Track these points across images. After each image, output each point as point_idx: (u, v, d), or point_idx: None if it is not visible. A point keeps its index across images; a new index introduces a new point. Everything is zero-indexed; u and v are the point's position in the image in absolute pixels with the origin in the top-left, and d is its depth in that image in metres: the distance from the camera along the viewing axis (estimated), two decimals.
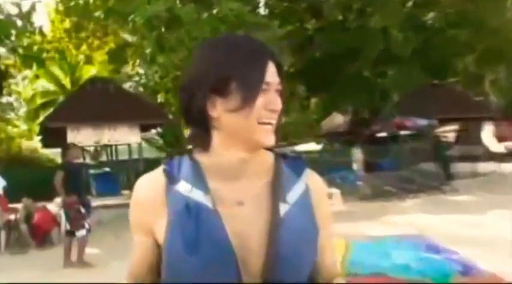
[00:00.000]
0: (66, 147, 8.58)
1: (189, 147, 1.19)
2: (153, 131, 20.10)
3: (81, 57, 25.02)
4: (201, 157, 1.15)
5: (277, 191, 1.14)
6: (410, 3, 18.88)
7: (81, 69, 26.75)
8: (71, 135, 12.92)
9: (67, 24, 18.69)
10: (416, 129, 17.90)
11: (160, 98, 16.68)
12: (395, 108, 19.36)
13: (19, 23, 10.76)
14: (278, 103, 1.11)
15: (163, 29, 11.79)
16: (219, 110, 1.09)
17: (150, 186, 1.15)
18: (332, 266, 1.26)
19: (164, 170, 1.14)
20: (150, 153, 19.93)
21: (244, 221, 1.10)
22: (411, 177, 15.28)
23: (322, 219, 1.19)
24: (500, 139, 23.66)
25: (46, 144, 17.69)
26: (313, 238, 1.17)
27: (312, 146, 27.22)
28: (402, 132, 18.34)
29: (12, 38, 10.16)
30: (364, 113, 20.20)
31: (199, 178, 1.12)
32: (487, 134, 24.43)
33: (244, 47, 1.11)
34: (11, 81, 24.17)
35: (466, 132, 22.26)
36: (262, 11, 18.54)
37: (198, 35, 11.53)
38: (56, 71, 26.80)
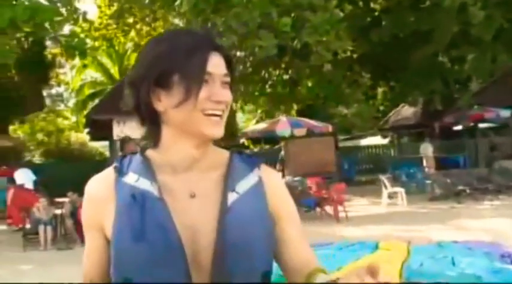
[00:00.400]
0: (122, 139, 9.03)
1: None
2: None
3: (130, 45, 25.93)
4: (151, 153, 1.24)
5: (227, 182, 1.22)
6: None
7: (129, 58, 27.75)
8: (117, 128, 13.49)
9: (114, 9, 19.40)
10: (498, 122, 17.66)
11: None
12: (473, 97, 18.95)
13: (63, 10, 11.27)
14: (223, 95, 1.18)
15: (210, 14, 12.02)
16: (164, 104, 1.18)
17: (99, 183, 1.24)
18: (306, 258, 1.27)
19: (115, 167, 1.23)
20: None
21: (195, 213, 1.17)
22: (489, 176, 15.02)
23: (279, 211, 1.26)
24: None
25: (93, 136, 18.59)
26: (264, 228, 1.22)
27: (378, 140, 27.30)
28: (481, 125, 18.12)
29: (55, 26, 10.68)
30: (437, 104, 19.80)
31: (146, 170, 1.20)
32: None
33: (184, 40, 1.19)
34: (60, 71, 25.47)
35: None
36: None
37: (248, 19, 11.69)
38: (104, 59, 27.96)
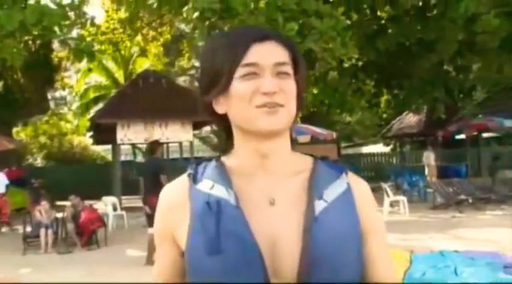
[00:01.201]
0: (152, 143, 9.06)
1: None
2: (208, 128, 20.69)
3: (135, 49, 26.04)
4: (225, 159, 1.19)
5: (313, 188, 1.13)
6: None
7: (134, 62, 27.89)
8: (121, 132, 13.58)
9: (122, 14, 19.53)
10: (502, 131, 17.68)
11: None
12: (477, 107, 19.15)
13: (71, 14, 11.35)
14: (270, 85, 1.09)
15: (216, 20, 12.08)
16: (222, 105, 1.14)
17: (173, 191, 1.19)
18: (387, 278, 1.19)
19: (189, 174, 1.17)
20: (204, 151, 20.56)
21: (275, 221, 1.09)
22: (492, 186, 15.01)
23: (368, 224, 1.16)
24: None
25: (96, 140, 18.70)
26: (355, 242, 1.13)
27: (380, 148, 27.36)
28: (484, 135, 18.22)
29: (64, 30, 10.76)
30: (440, 113, 19.74)
31: (221, 176, 1.13)
32: None
33: (226, 39, 1.16)
34: (65, 74, 25.61)
35: None
36: None
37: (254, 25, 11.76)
38: (109, 64, 28.09)
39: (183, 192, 1.15)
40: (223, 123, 1.19)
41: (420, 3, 18.47)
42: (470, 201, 13.91)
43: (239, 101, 1.10)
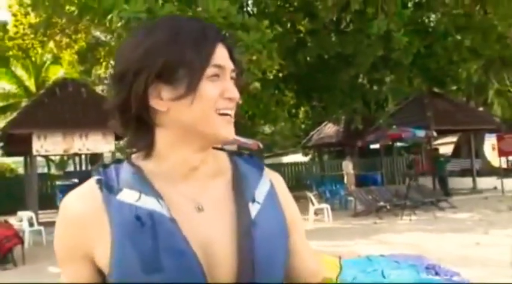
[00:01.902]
0: (92, 155, 8.61)
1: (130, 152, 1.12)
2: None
3: (48, 56, 24.91)
4: (140, 162, 1.07)
5: (241, 190, 1.09)
6: (411, 4, 19.17)
7: (47, 70, 26.64)
8: (37, 143, 12.95)
9: (32, 18, 18.59)
10: (413, 141, 18.51)
11: None
12: (390, 118, 19.68)
13: None
14: (235, 91, 1.05)
15: None
16: (166, 101, 1.02)
17: (82, 201, 1.04)
18: (314, 267, 1.22)
19: (98, 181, 1.04)
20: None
21: (206, 228, 1.03)
22: (407, 193, 15.16)
23: (291, 216, 1.15)
24: (503, 153, 23.97)
25: (7, 152, 17.68)
26: (284, 239, 1.12)
27: (300, 158, 27.63)
28: (398, 144, 18.89)
29: None
30: (358, 123, 20.18)
31: (146, 184, 1.03)
32: (489, 147, 24.65)
33: (190, 28, 1.04)
34: None
35: (466, 145, 22.47)
36: (250, 9, 18.67)
37: None
38: (19, 71, 26.65)
39: (94, 203, 1.01)
40: (143, 121, 1.05)
41: (334, 19, 19.09)
42: (388, 207, 14.30)
43: (205, 103, 1.01)
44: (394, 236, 10.44)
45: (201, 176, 1.07)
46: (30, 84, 26.69)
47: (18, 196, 15.72)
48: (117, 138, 14.32)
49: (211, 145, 1.08)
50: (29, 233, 11.75)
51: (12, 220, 12.16)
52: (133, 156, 1.09)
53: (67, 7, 13.91)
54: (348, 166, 18.02)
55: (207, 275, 0.99)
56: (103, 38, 18.78)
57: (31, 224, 12.04)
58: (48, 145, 12.88)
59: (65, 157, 24.21)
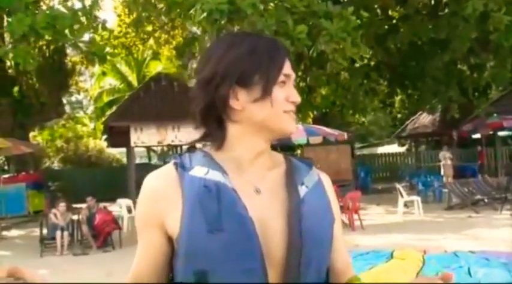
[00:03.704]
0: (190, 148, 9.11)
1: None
2: None
3: (148, 52, 26.20)
4: (213, 152, 1.25)
5: (292, 177, 1.25)
6: None
7: (148, 65, 28.11)
8: (134, 135, 13.64)
9: (133, 17, 19.63)
10: None
11: None
12: (492, 106, 18.97)
13: (83, 18, 11.45)
14: (298, 96, 1.26)
15: (225, 22, 12.11)
16: (242, 102, 1.20)
17: (160, 179, 1.22)
18: (346, 264, 1.33)
19: (174, 163, 1.22)
20: None
21: (262, 207, 1.18)
22: (508, 185, 14.72)
23: (334, 210, 1.30)
24: None
25: (110, 143, 18.88)
26: (331, 224, 1.27)
27: (395, 148, 27.35)
28: (500, 133, 18.08)
29: (76, 34, 10.88)
30: (455, 112, 19.38)
31: (214, 163, 1.20)
32: None
33: (264, 43, 1.25)
34: (79, 78, 25.89)
35: None
36: None
37: (263, 28, 11.72)
38: (123, 67, 28.34)
39: (171, 180, 1.18)
40: (220, 118, 1.23)
41: (432, 2, 18.43)
42: (486, 200, 13.96)
43: (275, 104, 1.21)
44: (490, 232, 10.07)
45: (260, 167, 1.25)
46: (133, 79, 28.33)
47: (120, 185, 16.66)
48: None
49: (277, 138, 1.27)
50: (127, 220, 12.47)
51: (113, 207, 13.04)
52: (205, 148, 1.28)
53: (157, 4, 14.44)
54: (445, 157, 17.64)
55: (262, 244, 1.13)
56: (198, 33, 19.32)
57: (129, 211, 12.74)
58: (144, 137, 13.51)
59: (165, 149, 25.32)
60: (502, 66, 18.36)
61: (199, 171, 1.18)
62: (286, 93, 1.23)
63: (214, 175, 1.17)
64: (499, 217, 12.28)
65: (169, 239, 1.18)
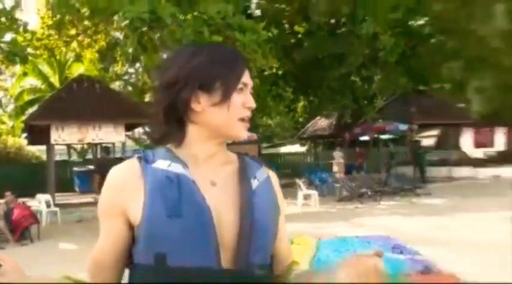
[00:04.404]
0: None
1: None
2: (141, 130, 20.39)
3: (71, 55, 24.99)
4: (174, 149, 1.23)
5: (245, 172, 1.25)
6: (401, 9, 19.19)
7: (70, 67, 26.78)
8: (55, 133, 13.08)
9: (56, 20, 18.67)
10: (397, 134, 18.24)
11: (147, 98, 16.82)
12: (377, 113, 19.67)
13: (4, 19, 10.85)
14: (253, 102, 1.25)
15: (146, 30, 11.94)
16: (202, 104, 1.20)
17: (124, 170, 1.20)
18: (288, 251, 1.34)
19: (138, 157, 1.20)
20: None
21: (217, 199, 1.17)
22: (387, 180, 15.57)
23: (281, 204, 1.29)
24: (478, 144, 23.99)
25: (30, 141, 17.88)
26: (278, 215, 1.26)
27: (297, 148, 27.62)
28: (382, 136, 18.66)
29: None
30: (347, 117, 20.34)
31: (176, 158, 1.20)
32: (466, 140, 24.78)
33: (224, 52, 1.25)
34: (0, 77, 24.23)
35: (444, 137, 22.64)
36: (252, 11, 18.67)
37: (181, 36, 11.51)
38: (45, 68, 26.81)
39: (133, 172, 1.18)
40: (181, 118, 1.23)
41: (332, 21, 19.13)
42: (369, 193, 14.34)
43: (231, 108, 1.21)
44: (372, 220, 10.53)
45: (215, 163, 1.25)
46: (55, 80, 26.84)
47: (40, 181, 15.86)
48: (128, 129, 14.48)
49: (228, 141, 1.27)
50: (46, 214, 11.99)
51: (32, 202, 12.41)
52: (167, 146, 1.25)
53: (80, 8, 13.91)
54: (337, 156, 17.75)
55: (216, 230, 1.13)
56: (121, 38, 18.84)
57: (48, 206, 12.25)
58: (65, 135, 12.99)
59: (85, 146, 24.33)
60: (387, 79, 19.53)
61: (161, 163, 1.18)
62: (243, 99, 1.23)
63: (176, 168, 1.17)
64: (378, 207, 12.90)
65: (130, 227, 1.17)
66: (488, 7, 16.83)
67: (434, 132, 23.80)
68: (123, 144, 13.83)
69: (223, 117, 1.21)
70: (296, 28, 20.17)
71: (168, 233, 1.10)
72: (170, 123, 1.23)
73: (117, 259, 1.19)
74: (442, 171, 19.92)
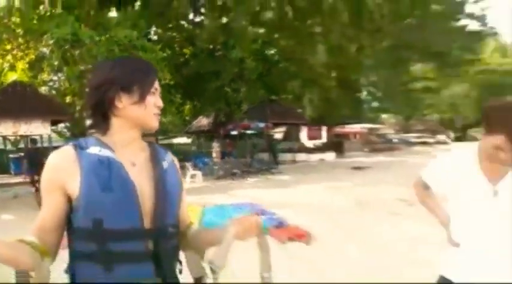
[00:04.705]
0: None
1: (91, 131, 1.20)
2: (62, 125, 19.56)
3: (6, 65, 22.63)
4: (99, 137, 1.17)
5: (157, 156, 1.20)
6: (259, 41, 20.66)
7: (5, 75, 24.09)
8: None
9: None
10: (257, 130, 18.75)
11: (68, 100, 16.47)
12: (244, 114, 20.24)
13: None
14: (161, 102, 1.20)
15: (68, 47, 11.95)
16: (124, 103, 1.14)
17: (61, 154, 1.11)
18: (187, 215, 1.28)
19: (73, 145, 1.13)
20: (58, 142, 19.47)
21: (138, 176, 1.12)
22: (251, 163, 16.13)
23: (182, 181, 1.24)
24: (311, 138, 25.53)
25: None
26: (181, 191, 1.21)
27: (184, 140, 27.45)
28: (247, 131, 19.03)
29: None
30: (222, 117, 20.70)
31: (104, 145, 1.13)
32: (303, 134, 25.98)
33: (141, 64, 1.19)
34: None
35: (289, 132, 23.26)
36: (151, 37, 18.81)
37: (96, 53, 11.54)
38: None
39: (69, 156, 1.10)
40: (106, 113, 1.17)
41: (211, 46, 19.98)
42: (239, 172, 14.56)
43: (147, 106, 1.16)
44: (242, 192, 10.55)
45: (134, 148, 1.19)
46: None
47: None
48: (53, 124, 14.20)
49: (142, 131, 1.21)
50: None
51: None
52: (95, 134, 1.19)
53: (15, 28, 13.33)
54: (215, 146, 18.26)
55: (140, 200, 1.09)
56: (48, 53, 17.86)
57: None
58: (2, 129, 12.39)
59: (18, 138, 22.32)
60: (250, 91, 20.74)
61: (93, 149, 1.11)
62: (154, 100, 1.18)
63: (106, 152, 1.11)
64: (246, 182, 12.97)
65: (69, 199, 1.09)
66: (314, 45, 18.78)
67: (283, 128, 24.27)
68: (49, 136, 13.59)
69: (142, 112, 1.16)
70: (184, 50, 20.28)
71: (102, 204, 1.04)
72: (97, 116, 1.17)
73: (57, 224, 1.10)
74: (288, 156, 20.43)
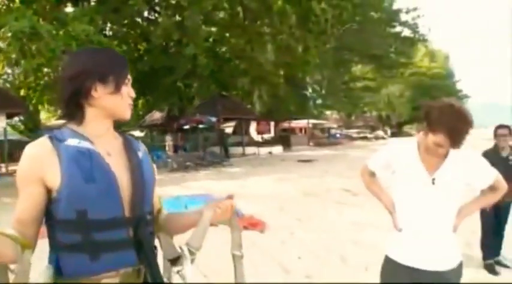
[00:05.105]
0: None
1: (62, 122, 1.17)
2: (17, 119, 18.16)
3: None
4: (74, 127, 1.13)
5: (131, 146, 1.18)
6: (211, 40, 20.49)
7: None
8: None
9: None
10: (209, 124, 18.78)
11: (23, 93, 15.19)
12: (196, 109, 20.11)
13: None
14: (133, 92, 1.19)
15: (26, 40, 11.24)
16: (99, 93, 1.11)
17: (37, 146, 1.08)
18: (158, 202, 1.29)
19: (49, 137, 1.09)
20: (13, 135, 18.07)
21: (115, 165, 1.10)
22: (203, 156, 16.10)
23: (155, 172, 1.23)
24: (259, 132, 25.84)
25: None
26: (154, 179, 1.21)
27: (138, 133, 26.63)
28: (199, 126, 19.04)
29: None
30: (175, 112, 20.41)
31: (82, 136, 1.10)
32: (252, 129, 26.55)
33: (116, 55, 1.17)
34: None
35: (240, 127, 23.35)
36: (107, 32, 18.07)
37: (54, 47, 11.04)
38: None
39: (45, 148, 1.07)
40: (81, 103, 1.14)
41: (164, 43, 19.21)
42: (192, 165, 14.52)
43: (122, 96, 1.14)
44: (195, 183, 10.49)
45: (108, 138, 1.17)
46: None
47: None
48: (8, 117, 13.23)
49: (114, 121, 1.19)
50: None
51: None
52: (68, 125, 1.15)
53: None
54: (168, 140, 18.04)
55: (120, 190, 1.08)
56: (2, 46, 16.48)
57: None
58: None
59: None
60: (202, 87, 20.54)
61: (72, 141, 1.08)
62: (127, 90, 1.17)
63: (86, 144, 1.09)
64: (198, 175, 12.83)
65: (47, 191, 1.05)
66: (264, 45, 18.66)
67: (233, 123, 24.57)
68: (4, 128, 12.74)
69: (117, 102, 1.14)
70: (139, 46, 19.79)
71: (86, 194, 1.03)
72: (71, 107, 1.14)
73: (36, 216, 1.07)
74: (238, 149, 20.45)
